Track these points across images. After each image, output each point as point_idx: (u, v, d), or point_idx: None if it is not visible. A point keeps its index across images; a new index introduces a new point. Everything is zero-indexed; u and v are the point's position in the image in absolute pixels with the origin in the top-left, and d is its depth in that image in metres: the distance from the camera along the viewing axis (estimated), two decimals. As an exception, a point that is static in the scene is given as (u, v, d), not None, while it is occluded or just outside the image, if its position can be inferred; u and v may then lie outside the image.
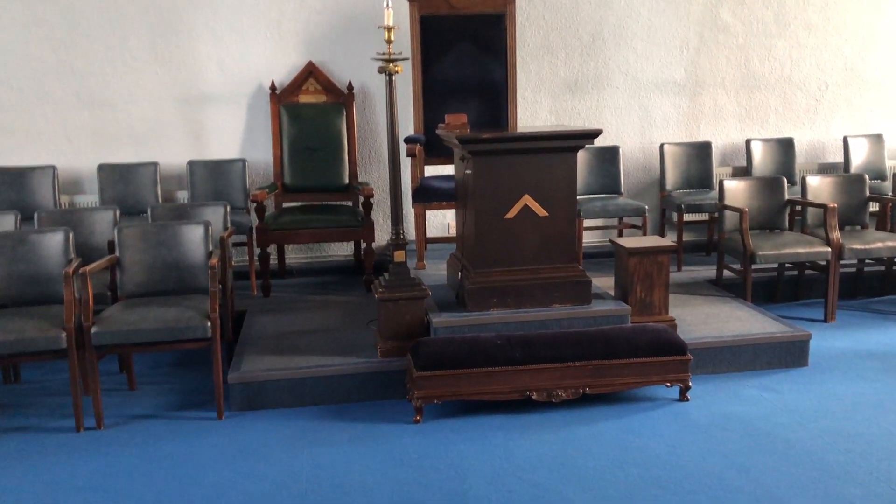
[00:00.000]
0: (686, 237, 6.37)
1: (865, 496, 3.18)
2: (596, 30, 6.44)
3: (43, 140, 5.94)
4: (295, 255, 6.35)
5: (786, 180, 5.70)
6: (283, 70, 6.06)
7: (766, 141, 6.54)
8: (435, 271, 5.32)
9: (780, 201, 5.59)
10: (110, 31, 5.88)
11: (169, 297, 4.28)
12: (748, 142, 6.52)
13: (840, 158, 6.77)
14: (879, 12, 6.78)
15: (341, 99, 6.03)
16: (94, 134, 5.98)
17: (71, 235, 4.28)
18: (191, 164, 5.87)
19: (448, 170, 5.75)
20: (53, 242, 4.23)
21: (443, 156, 5.56)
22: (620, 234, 6.17)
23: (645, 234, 5.78)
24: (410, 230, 5.84)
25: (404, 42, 5.62)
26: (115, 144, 6.00)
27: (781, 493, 3.22)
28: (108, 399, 4.24)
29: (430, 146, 5.59)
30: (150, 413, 4.17)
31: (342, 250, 6.42)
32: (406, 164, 5.54)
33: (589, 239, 6.44)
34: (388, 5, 4.15)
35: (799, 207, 5.70)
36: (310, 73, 6.00)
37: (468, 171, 4.34)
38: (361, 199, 5.55)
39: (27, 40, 5.81)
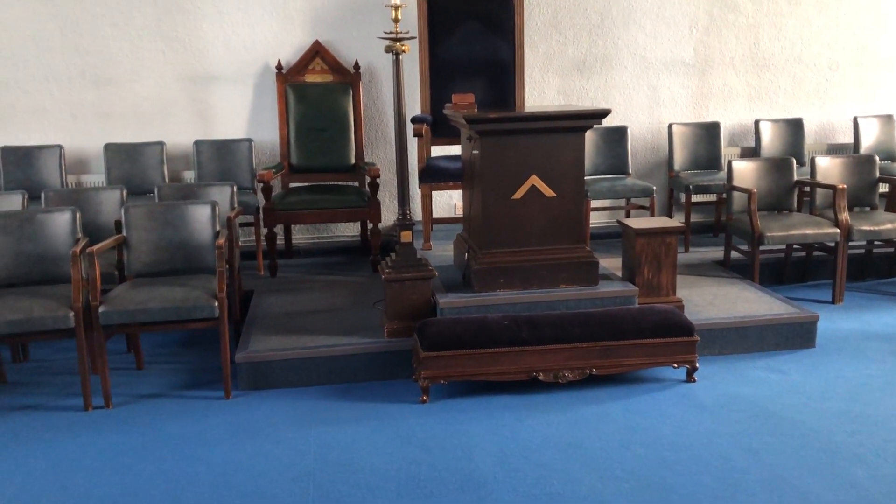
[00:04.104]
0: (694, 218, 6.35)
1: (872, 477, 3.18)
2: (605, 8, 6.39)
3: (49, 119, 5.93)
4: (302, 235, 6.35)
5: (795, 161, 5.66)
6: (289, 49, 6.03)
7: (775, 121, 6.49)
8: (441, 252, 5.31)
9: (788, 182, 5.55)
10: (116, 9, 5.85)
11: (176, 276, 4.29)
12: (757, 122, 6.47)
13: (850, 139, 6.73)
14: (892, -9, 6.72)
15: (348, 78, 6.00)
16: (100, 113, 5.97)
17: (78, 215, 4.28)
18: (197, 143, 5.85)
19: (455, 150, 5.73)
20: (61, 222, 4.23)
21: (450, 136, 5.53)
22: (628, 215, 6.16)
23: (653, 214, 5.76)
24: (417, 211, 5.83)
25: (411, 21, 5.58)
26: (121, 123, 5.99)
27: (788, 473, 3.22)
28: (115, 378, 4.26)
29: (437, 126, 5.56)
30: (157, 392, 4.20)
31: (349, 230, 6.42)
32: (413, 144, 5.52)
33: (596, 220, 6.42)
34: (395, -17, 4.12)
35: (808, 188, 5.67)
36: (316, 52, 5.97)
37: (475, 152, 4.32)
38: (368, 179, 5.53)
39: (33, 18, 5.78)
